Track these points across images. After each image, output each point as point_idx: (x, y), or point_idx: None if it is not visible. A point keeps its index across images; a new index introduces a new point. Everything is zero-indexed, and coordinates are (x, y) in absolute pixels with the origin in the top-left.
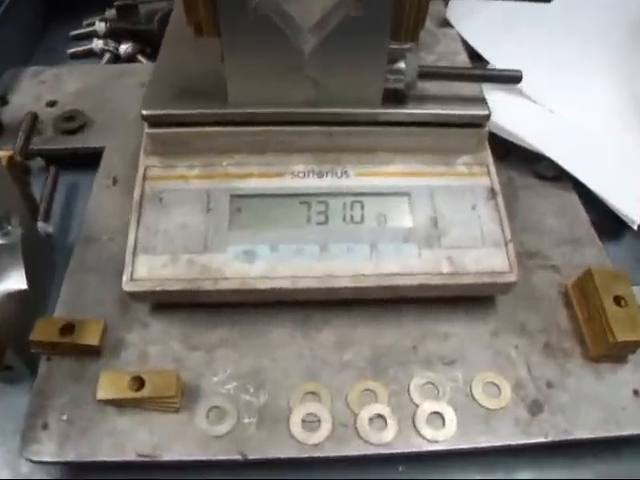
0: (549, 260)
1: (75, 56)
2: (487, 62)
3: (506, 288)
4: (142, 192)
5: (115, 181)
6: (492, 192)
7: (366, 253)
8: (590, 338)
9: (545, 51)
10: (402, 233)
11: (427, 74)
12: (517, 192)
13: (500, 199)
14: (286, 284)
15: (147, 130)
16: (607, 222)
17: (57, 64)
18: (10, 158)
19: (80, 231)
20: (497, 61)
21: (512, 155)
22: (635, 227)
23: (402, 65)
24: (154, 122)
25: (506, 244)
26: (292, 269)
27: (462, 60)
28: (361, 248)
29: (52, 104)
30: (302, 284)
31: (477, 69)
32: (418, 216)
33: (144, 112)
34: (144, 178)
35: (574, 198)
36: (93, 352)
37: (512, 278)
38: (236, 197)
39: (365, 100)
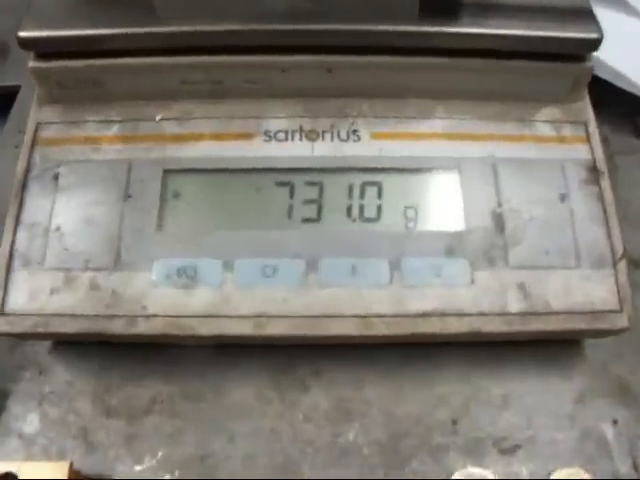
0: None
1: None
2: None
3: (610, 334)
4: (28, 165)
5: None
6: (594, 171)
7: (384, 275)
8: None
9: None
10: (445, 240)
11: None
12: (613, 159)
13: (607, 184)
14: (246, 328)
15: (33, 64)
16: None
17: None
18: None
19: None
20: None
21: (604, 100)
22: None
23: None
24: (43, 50)
25: (615, 263)
26: (257, 302)
27: None
28: (376, 266)
29: None
30: (273, 329)
31: None
32: (473, 210)
33: (23, 34)
34: (34, 141)
35: None
36: None
37: (622, 322)
38: (172, 173)
39: (389, 10)
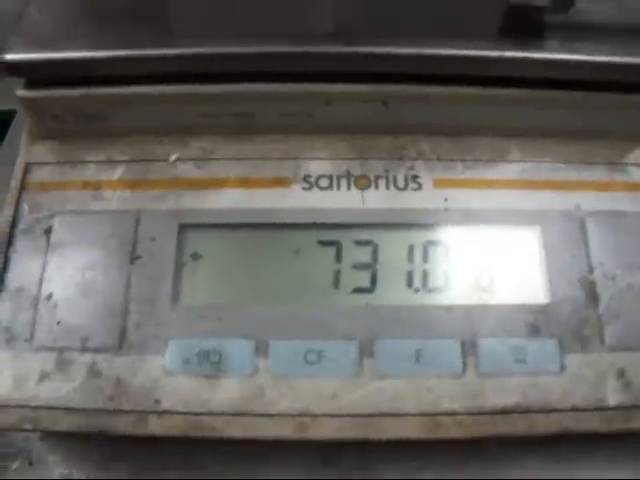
0: None
1: None
2: None
3: None
4: (15, 216)
5: None
6: None
7: (455, 362)
8: None
9: None
10: (527, 316)
11: None
12: None
13: None
14: (285, 430)
15: (21, 92)
16: None
17: None
18: None
19: None
20: None
21: None
22: None
23: None
24: (34, 76)
25: None
26: (299, 397)
27: None
28: (444, 350)
29: None
30: (319, 432)
31: None
32: (559, 277)
33: (9, 57)
34: (22, 186)
35: None
36: None
37: None
38: (191, 230)
39: (462, 29)
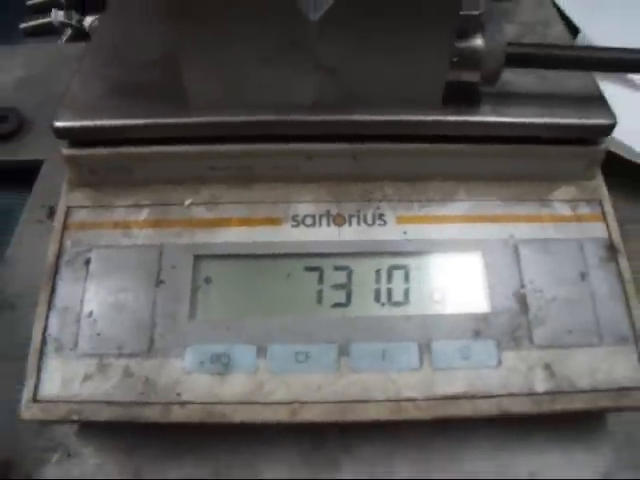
0: None
1: (29, 33)
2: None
3: (636, 410)
4: (60, 249)
5: (51, 213)
6: (611, 249)
7: (413, 359)
8: None
9: None
10: (471, 323)
11: (520, 58)
12: (623, 228)
13: (624, 261)
14: (281, 415)
15: (66, 151)
16: None
17: (8, 43)
18: None
19: None
20: (599, 35)
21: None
22: None
23: (479, 42)
24: (77, 139)
25: (636, 339)
26: (291, 389)
27: (558, 33)
28: (405, 351)
29: None
30: (307, 415)
31: (594, 50)
32: (497, 292)
33: (58, 124)
34: (64, 226)
35: None
36: None
37: None
38: (203, 259)
39: (413, 99)
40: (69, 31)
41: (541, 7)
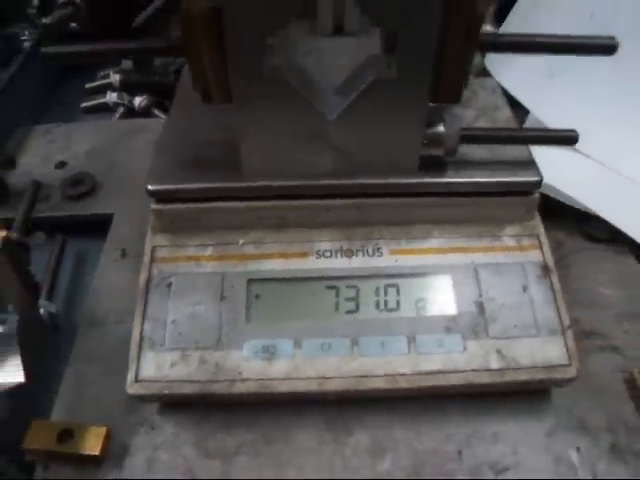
0: (609, 340)
1: (88, 110)
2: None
3: (564, 383)
4: (149, 276)
5: (124, 254)
6: (545, 269)
7: (403, 347)
8: None
9: (596, 100)
10: (444, 322)
11: (470, 138)
12: (567, 258)
13: (555, 277)
14: (312, 386)
15: (154, 206)
16: None
17: (72, 119)
18: (4, 239)
19: (84, 313)
20: (543, 114)
21: (558, 213)
22: None
23: (441, 129)
24: (161, 198)
25: (564, 331)
26: (318, 368)
27: (505, 116)
28: (397, 341)
29: (61, 165)
30: (330, 386)
31: (527, 131)
32: (462, 301)
33: (150, 187)
34: (151, 260)
35: (632, 263)
36: (94, 461)
37: (571, 373)
38: (254, 282)
39: (398, 168)
40: (121, 109)
41: (493, 95)
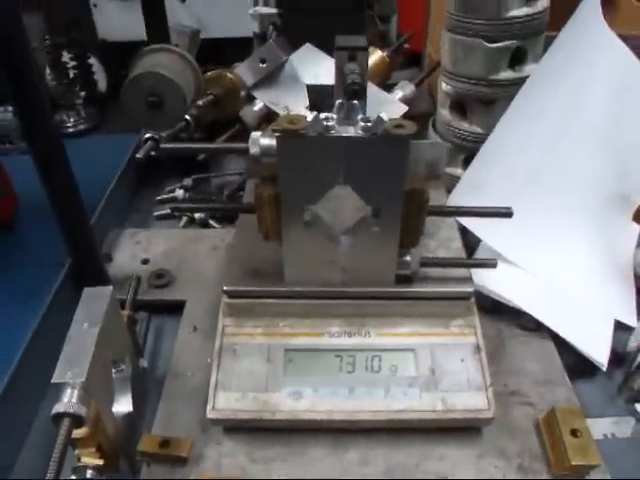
0: (526, 397)
1: (160, 217)
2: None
3: (486, 422)
4: (221, 344)
5: (195, 329)
6: (477, 348)
7: (381, 395)
8: (554, 461)
9: (532, 222)
10: (408, 380)
11: (427, 263)
12: (504, 341)
13: (483, 354)
14: (324, 417)
15: (226, 300)
16: (581, 364)
17: (146, 224)
18: (129, 317)
19: (169, 367)
20: (496, 242)
21: (502, 309)
22: (604, 368)
23: (408, 258)
24: (231, 295)
25: (486, 388)
26: (328, 406)
27: (457, 246)
28: (378, 391)
29: (145, 262)
30: (335, 417)
31: (469, 260)
32: (421, 367)
33: (226, 288)
34: (222, 334)
35: (550, 345)
36: (181, 461)
37: (490, 415)
38: (289, 351)
39: (382, 282)
40: (185, 219)
41: (451, 229)
